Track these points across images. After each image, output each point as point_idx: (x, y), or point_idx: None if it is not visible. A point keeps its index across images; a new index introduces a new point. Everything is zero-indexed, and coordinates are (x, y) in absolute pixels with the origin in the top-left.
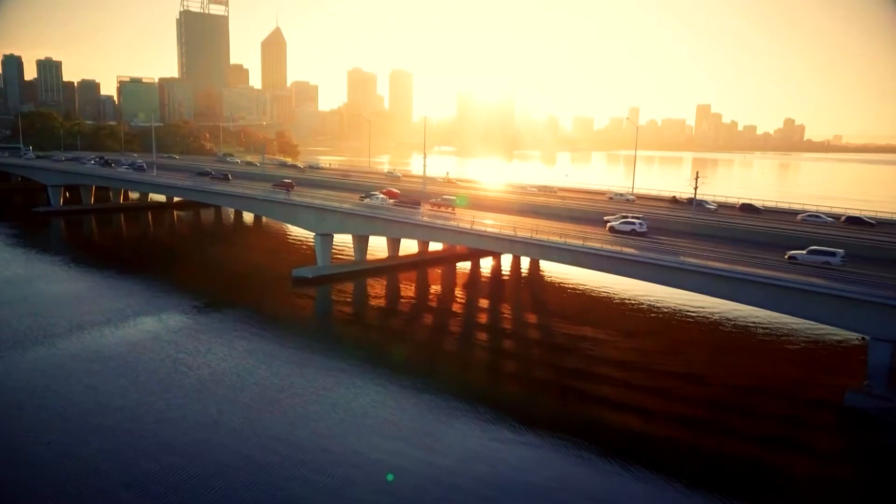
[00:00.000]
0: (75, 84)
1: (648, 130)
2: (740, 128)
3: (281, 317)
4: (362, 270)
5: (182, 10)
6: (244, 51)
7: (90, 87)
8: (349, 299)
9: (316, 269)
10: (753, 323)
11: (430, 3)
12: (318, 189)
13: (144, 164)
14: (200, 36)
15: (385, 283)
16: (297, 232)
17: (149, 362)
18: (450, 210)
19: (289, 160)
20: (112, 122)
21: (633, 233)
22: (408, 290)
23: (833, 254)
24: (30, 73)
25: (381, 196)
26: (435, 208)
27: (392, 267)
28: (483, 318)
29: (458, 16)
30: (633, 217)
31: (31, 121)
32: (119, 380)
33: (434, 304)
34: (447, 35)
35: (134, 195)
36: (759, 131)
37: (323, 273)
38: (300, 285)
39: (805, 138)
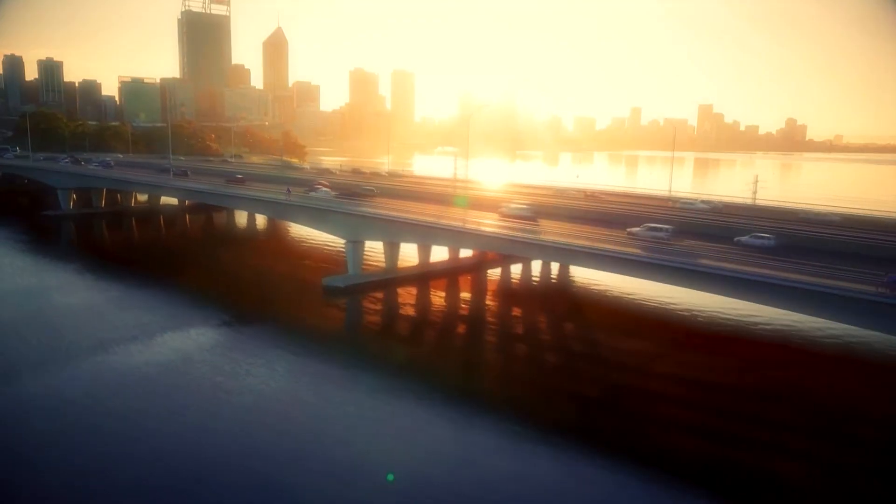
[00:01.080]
0: (76, 84)
1: (651, 130)
2: (742, 128)
3: (319, 331)
4: (395, 279)
5: (183, 9)
6: (246, 51)
7: (91, 87)
8: (387, 311)
9: (347, 279)
10: (818, 336)
11: (431, 3)
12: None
13: (112, 162)
14: (202, 36)
15: (420, 292)
16: (316, 236)
17: (184, 387)
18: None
19: (364, 168)
20: (115, 123)
21: (521, 217)
22: (444, 299)
23: (662, 229)
24: (31, 73)
25: (325, 189)
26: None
27: (424, 274)
28: (525, 330)
29: (459, 16)
30: (524, 205)
31: (37, 121)
32: (153, 407)
33: (474, 315)
34: (448, 35)
35: (143, 198)
36: (762, 131)
37: (355, 282)
38: (331, 295)
39: (807, 138)
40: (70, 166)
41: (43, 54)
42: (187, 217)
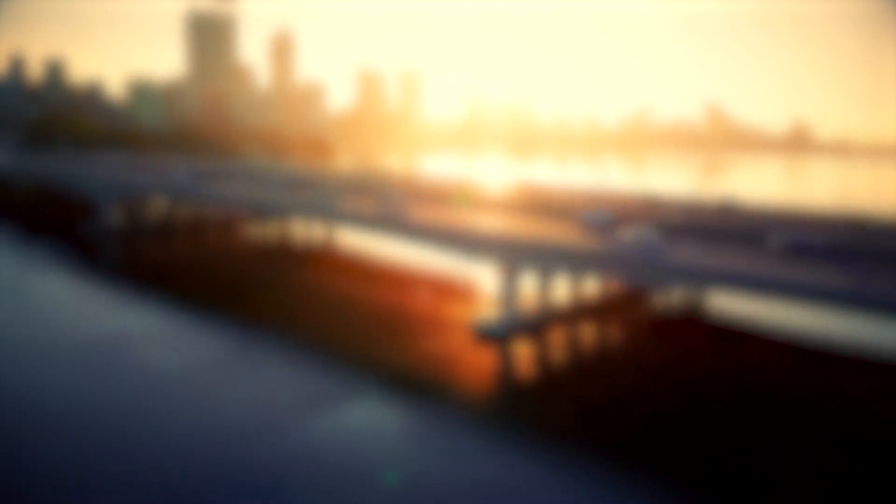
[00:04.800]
0: (81, 84)
1: (658, 131)
2: (749, 128)
3: (514, 408)
4: (554, 318)
5: (190, 8)
6: (252, 50)
7: (96, 87)
8: (573, 367)
9: (506, 321)
10: None
11: (436, 3)
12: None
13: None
14: (208, 34)
15: (588, 334)
16: (413, 256)
17: None
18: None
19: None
20: (126, 126)
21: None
22: (628, 346)
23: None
24: (35, 73)
25: (184, 168)
26: None
27: (581, 311)
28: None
29: (467, 17)
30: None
31: (49, 123)
32: None
33: (661, 366)
34: (455, 36)
35: (188, 209)
36: (768, 132)
37: (515, 325)
38: (487, 341)
39: (813, 139)
40: (114, 175)
41: (48, 55)
42: (243, 231)
